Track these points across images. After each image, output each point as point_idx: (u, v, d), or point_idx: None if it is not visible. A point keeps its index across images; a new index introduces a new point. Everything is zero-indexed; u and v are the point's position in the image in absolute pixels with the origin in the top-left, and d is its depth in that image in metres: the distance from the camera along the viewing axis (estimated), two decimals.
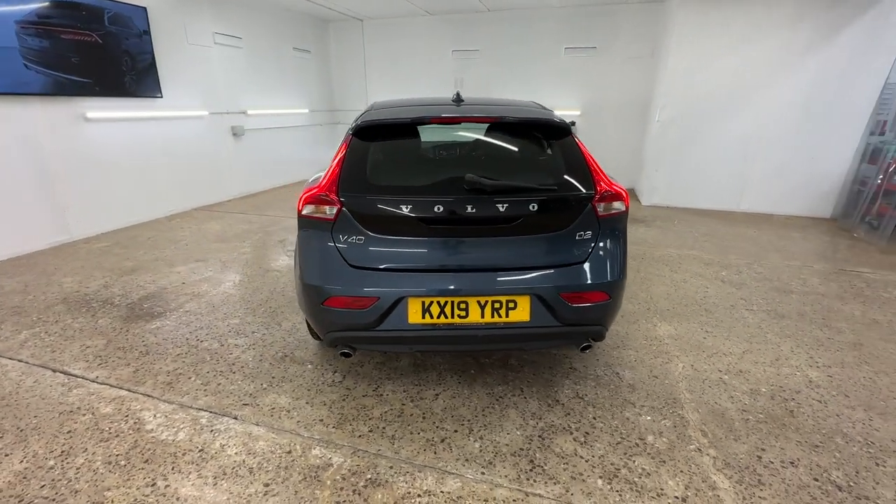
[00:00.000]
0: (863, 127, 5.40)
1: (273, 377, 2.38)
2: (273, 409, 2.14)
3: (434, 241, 1.89)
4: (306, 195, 1.95)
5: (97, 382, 2.33)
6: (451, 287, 1.86)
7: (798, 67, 5.45)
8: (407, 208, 1.82)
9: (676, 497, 1.66)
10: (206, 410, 2.12)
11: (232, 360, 2.53)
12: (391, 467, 1.79)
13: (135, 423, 2.03)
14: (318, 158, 8.88)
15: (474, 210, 1.81)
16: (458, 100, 2.40)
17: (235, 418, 2.07)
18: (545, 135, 2.16)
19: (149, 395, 2.23)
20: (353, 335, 1.96)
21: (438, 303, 1.87)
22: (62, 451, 1.86)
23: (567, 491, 1.68)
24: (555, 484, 1.71)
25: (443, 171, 2.20)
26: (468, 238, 1.89)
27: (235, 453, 1.85)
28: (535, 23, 7.44)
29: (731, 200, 6.23)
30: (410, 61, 8.31)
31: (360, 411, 2.12)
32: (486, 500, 1.64)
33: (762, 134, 5.81)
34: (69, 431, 1.98)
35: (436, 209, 1.81)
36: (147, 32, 5.02)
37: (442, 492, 1.67)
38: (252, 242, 4.63)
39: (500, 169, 2.18)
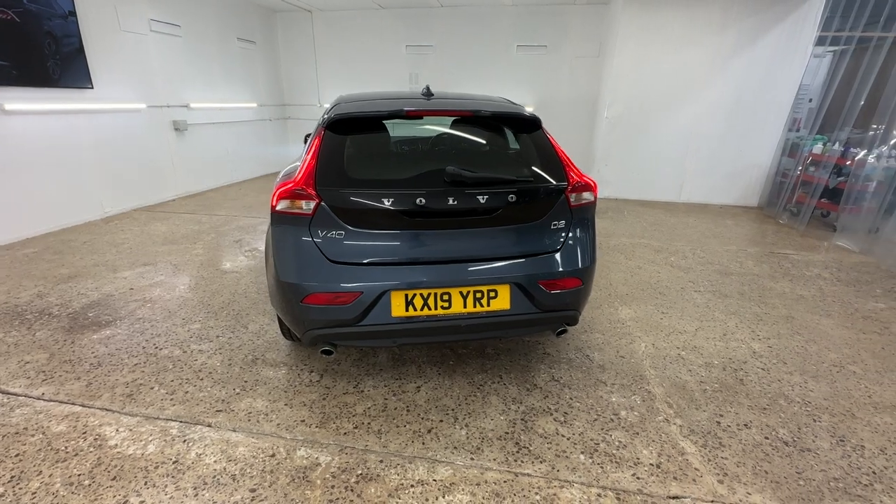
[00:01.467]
0: (783, 123, 6.00)
1: (245, 381, 2.29)
2: (249, 413, 2.06)
3: (415, 233, 1.90)
4: (281, 190, 1.89)
5: (43, 400, 2.12)
6: (434, 278, 1.88)
7: (727, 69, 5.95)
8: (389, 202, 1.82)
9: (651, 464, 1.79)
10: (175, 420, 2.00)
11: (198, 367, 2.40)
12: (381, 461, 1.79)
13: (95, 439, 1.88)
14: (269, 155, 8.53)
15: (455, 202, 1.84)
16: (428, 93, 2.41)
17: (209, 426, 1.97)
18: (516, 128, 2.23)
19: (107, 409, 2.07)
20: (335, 332, 1.92)
21: (421, 295, 1.89)
22: (12, 477, 1.69)
23: (553, 468, 1.76)
24: (541, 463, 1.79)
25: (421, 164, 2.21)
26: (449, 230, 1.92)
27: (215, 461, 1.77)
28: (488, 20, 7.57)
29: (674, 192, 6.70)
30: (363, 56, 8.16)
31: (342, 409, 2.09)
32: (477, 484, 1.68)
33: (698, 130, 6.29)
34: (17, 455, 1.79)
35: (417, 202, 1.82)
36: (73, 14, 4.57)
37: (434, 480, 1.70)
38: (205, 243, 4.38)
39: (476, 161, 2.23)
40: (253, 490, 1.64)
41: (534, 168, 2.06)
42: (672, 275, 3.79)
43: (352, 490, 1.65)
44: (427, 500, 1.61)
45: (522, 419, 2.03)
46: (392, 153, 2.27)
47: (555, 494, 1.64)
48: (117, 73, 5.24)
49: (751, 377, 2.38)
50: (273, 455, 1.81)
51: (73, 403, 2.10)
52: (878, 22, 5.37)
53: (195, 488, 1.65)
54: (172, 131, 6.16)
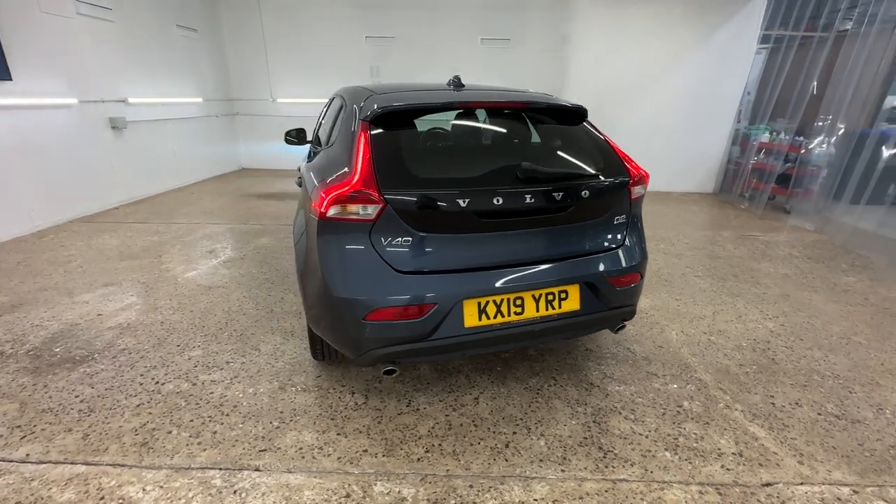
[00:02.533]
0: (733, 115, 6.49)
1: (281, 412, 2.02)
2: (300, 449, 1.81)
3: (489, 235, 1.75)
4: (335, 194, 1.65)
5: (31, 462, 1.72)
6: (508, 283, 1.75)
7: (685, 64, 6.31)
8: (464, 202, 1.65)
9: (733, 454, 1.80)
10: (213, 468, 1.71)
11: (216, 401, 2.08)
12: (471, 486, 1.64)
13: (120, 503, 1.55)
14: (218, 154, 7.83)
15: (532, 200, 1.72)
16: (458, 84, 2.25)
17: (258, 470, 1.70)
18: (562, 120, 2.13)
19: (121, 465, 1.72)
20: (403, 349, 1.73)
21: (494, 301, 1.75)
22: None
23: (646, 470, 1.72)
24: (631, 466, 1.74)
25: (483, 160, 2.06)
26: (521, 230, 1.79)
27: None
28: (452, 12, 7.43)
29: None
30: (320, 47, 7.69)
31: (404, 432, 1.91)
32: (580, 498, 1.59)
33: (660, 121, 6.62)
34: None
35: (495, 201, 1.67)
36: None
37: (535, 500, 1.58)
38: (172, 256, 3.88)
39: (531, 155, 2.09)
40: None
41: (594, 161, 1.97)
42: (668, 261, 3.94)
43: None
44: None
45: (594, 421, 1.97)
46: (451, 149, 2.07)
47: (659, 498, 1.60)
48: (41, 62, 4.47)
49: (779, 356, 2.51)
50: (348, 495, 1.59)
51: (73, 462, 1.72)
52: (801, 24, 5.96)
53: None
54: (110, 130, 5.40)
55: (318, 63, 7.80)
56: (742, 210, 5.89)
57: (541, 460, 1.76)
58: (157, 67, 6.18)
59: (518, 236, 1.79)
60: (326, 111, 3.43)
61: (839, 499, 1.60)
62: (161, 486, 1.62)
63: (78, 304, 3.00)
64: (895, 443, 1.87)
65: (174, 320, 2.81)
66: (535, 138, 2.18)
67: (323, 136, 3.24)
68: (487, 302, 1.74)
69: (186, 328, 2.72)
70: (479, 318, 1.74)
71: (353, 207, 1.64)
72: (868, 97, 5.25)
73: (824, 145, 5.27)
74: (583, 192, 1.81)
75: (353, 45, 7.69)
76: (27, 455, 1.75)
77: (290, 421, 1.96)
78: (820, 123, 5.26)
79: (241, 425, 1.93)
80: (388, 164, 1.70)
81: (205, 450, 1.80)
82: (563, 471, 1.71)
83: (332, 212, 1.67)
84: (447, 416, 2.01)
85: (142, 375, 2.26)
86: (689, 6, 6.04)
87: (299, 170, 3.35)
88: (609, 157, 1.99)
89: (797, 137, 5.61)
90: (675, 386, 2.22)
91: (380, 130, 1.80)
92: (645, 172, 2.05)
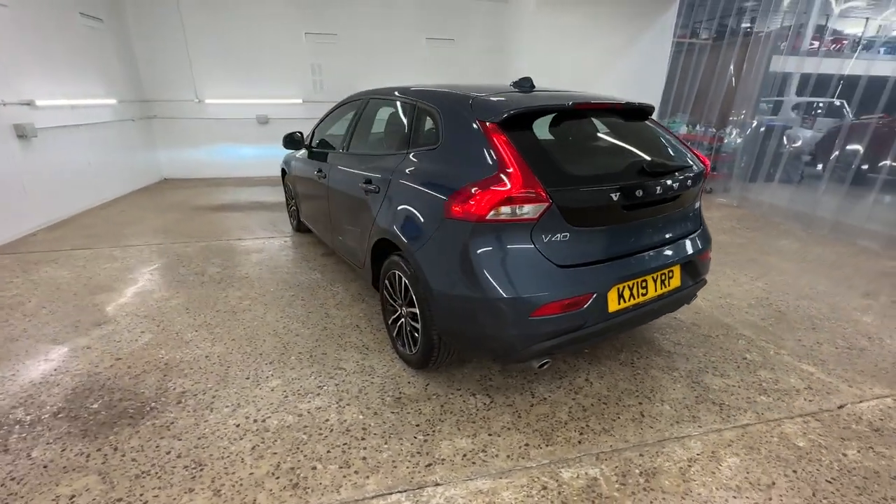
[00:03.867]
0: (656, 110, 7.46)
1: (417, 425, 1.95)
2: (464, 455, 1.79)
3: (626, 225, 1.90)
4: (494, 196, 1.65)
5: None
6: (640, 268, 1.92)
7: (616, 63, 7.08)
8: (616, 196, 1.77)
9: (806, 388, 2.21)
10: (391, 493, 1.62)
11: (340, 427, 1.94)
12: (640, 455, 1.79)
13: None
14: (138, 164, 6.83)
15: (660, 191, 1.90)
16: (530, 86, 2.36)
17: (438, 484, 1.66)
18: (635, 117, 2.34)
19: None
20: (562, 340, 1.81)
21: (628, 286, 1.91)
22: None
23: (758, 414, 2.03)
24: (745, 412, 2.04)
25: (611, 157, 2.16)
26: (647, 219, 1.97)
27: None
28: (395, 10, 7.36)
29: None
30: (253, 43, 7.07)
31: (547, 421, 1.98)
32: (728, 445, 1.84)
33: None
34: None
35: (637, 193, 1.82)
36: None
37: (698, 453, 1.79)
38: (156, 283, 3.36)
39: (643, 150, 2.21)
40: None
41: (681, 154, 2.21)
42: None
43: (650, 489, 1.63)
44: (714, 472, 1.70)
45: (694, 382, 2.25)
46: (571, 147, 2.12)
47: (782, 432, 1.91)
48: None
49: (782, 308, 3.06)
50: (544, 487, 1.64)
51: None
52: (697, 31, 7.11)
53: None
54: (15, 139, 4.41)
55: (253, 61, 7.17)
56: None
57: (677, 422, 1.98)
58: (61, 63, 5.17)
59: (645, 224, 1.97)
60: (348, 115, 3.26)
61: (891, 409, 2.08)
62: None
63: (78, 350, 2.48)
64: (893, 363, 2.45)
65: (220, 352, 2.48)
66: (623, 134, 2.32)
67: (342, 139, 3.09)
68: (624, 287, 1.89)
69: (241, 359, 2.43)
70: (619, 303, 1.89)
71: (520, 208, 1.67)
72: (759, 95, 6.47)
73: (734, 136, 6.36)
74: (688, 182, 2.06)
75: (292, 42, 7.21)
76: None
77: (433, 432, 1.91)
78: (733, 118, 6.35)
79: (385, 446, 1.83)
80: (540, 164, 1.75)
81: (367, 477, 1.68)
82: (699, 427, 1.95)
83: (493, 213, 1.68)
84: (574, 399, 2.12)
85: (231, 417, 1.99)
86: (616, 15, 6.79)
87: (285, 171, 3.11)
88: (687, 151, 2.27)
89: (710, 129, 6.68)
90: (730, 344, 2.60)
91: (516, 131, 1.84)
92: (709, 162, 2.37)
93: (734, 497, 1.60)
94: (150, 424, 1.94)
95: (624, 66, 7.06)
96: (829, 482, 1.67)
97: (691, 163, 2.17)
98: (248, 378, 2.27)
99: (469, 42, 7.77)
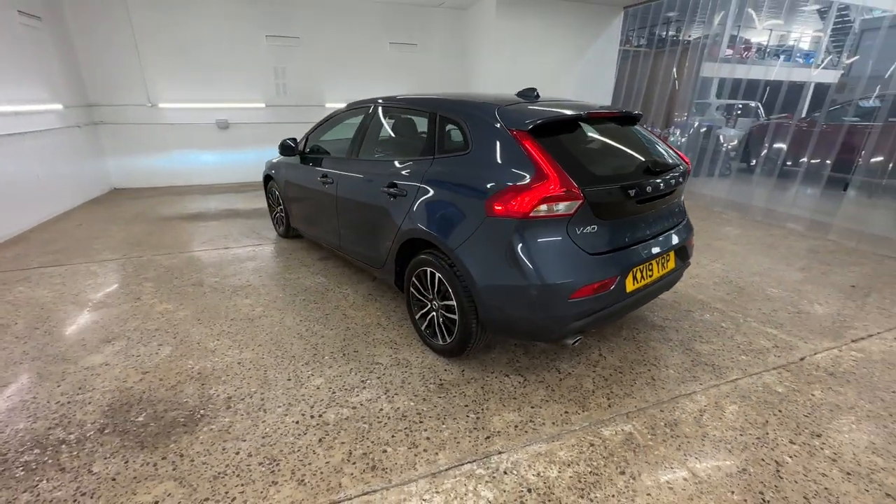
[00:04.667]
0: None
1: (465, 406, 2.15)
2: (516, 426, 2.01)
3: (641, 216, 2.22)
4: (536, 195, 1.89)
5: None
6: (648, 253, 2.24)
7: (572, 68, 7.61)
8: (632, 192, 2.07)
9: (774, 346, 2.66)
10: (463, 464, 1.80)
11: (395, 415, 2.08)
12: (661, 410, 2.11)
13: None
14: (86, 173, 6.37)
15: (663, 186, 2.23)
16: (536, 96, 2.64)
17: (501, 452, 1.86)
18: (627, 122, 2.68)
19: (374, 490, 1.68)
20: (593, 319, 2.08)
21: (640, 269, 2.23)
22: None
23: (744, 370, 2.43)
24: (733, 370, 2.43)
25: (621, 158, 2.44)
26: (652, 211, 2.30)
27: (560, 472, 1.75)
28: (359, 15, 7.41)
29: None
30: (210, 44, 6.82)
31: (578, 391, 2.25)
32: (727, 396, 2.21)
33: None
34: None
35: (648, 189, 2.14)
36: None
37: (706, 405, 2.14)
38: (157, 296, 3.27)
39: (644, 151, 2.48)
40: (622, 471, 1.75)
41: (671, 154, 2.57)
42: None
43: (676, 436, 1.94)
44: (720, 418, 2.05)
45: (687, 349, 2.63)
46: (592, 150, 2.37)
47: (763, 382, 2.32)
48: None
49: (740, 284, 3.58)
50: (591, 444, 1.90)
51: None
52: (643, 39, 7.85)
53: (585, 489, 1.65)
54: None
55: (210, 63, 6.91)
56: None
57: (682, 381, 2.33)
58: (2, 66, 4.74)
59: (651, 216, 2.30)
60: (351, 122, 3.36)
61: (839, 356, 2.57)
62: (436, 492, 1.67)
63: (96, 368, 2.41)
64: (832, 321, 3.00)
65: (251, 358, 2.52)
66: (626, 138, 2.64)
67: (350, 145, 3.19)
68: (637, 270, 2.21)
69: (275, 362, 2.49)
70: (633, 284, 2.20)
71: (559, 205, 1.92)
72: (692, 98, 7.27)
73: (675, 135, 7.10)
74: (680, 178, 2.42)
75: (252, 45, 7.04)
76: None
77: (482, 410, 2.12)
78: (676, 118, 7.08)
79: (444, 426, 2.01)
80: (571, 166, 2.01)
81: (436, 454, 1.86)
82: (700, 384, 2.31)
83: (535, 211, 1.92)
84: (594, 371, 2.42)
85: (287, 415, 2.07)
86: (570, 25, 7.31)
87: (268, 178, 3.17)
88: (673, 151, 2.64)
89: (656, 129, 7.40)
90: (708, 315, 3.04)
91: (543, 138, 2.08)
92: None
93: (741, 434, 1.96)
94: (207, 430, 1.98)
95: (578, 71, 7.61)
96: (806, 416, 2.09)
97: (680, 161, 2.55)
98: (289, 379, 2.34)
99: (432, 47, 7.99)
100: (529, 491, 1.68)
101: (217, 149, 7.39)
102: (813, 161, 6.06)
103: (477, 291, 2.12)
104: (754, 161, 7.21)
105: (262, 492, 1.67)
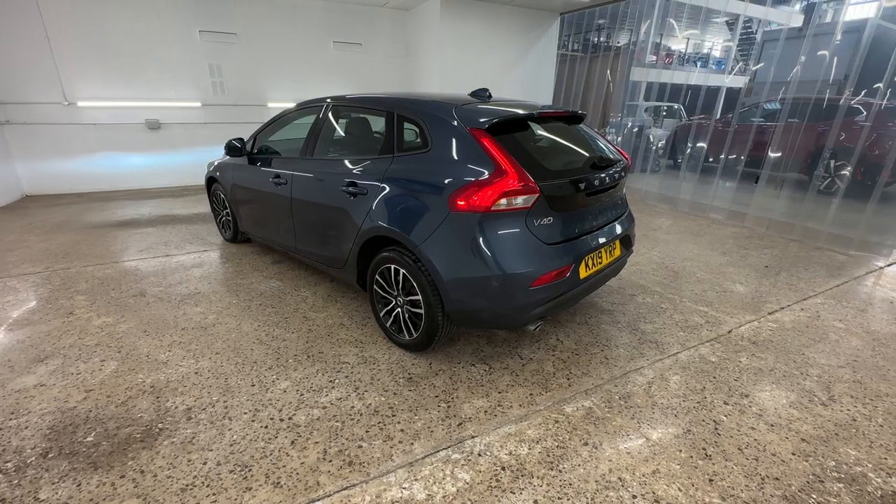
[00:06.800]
0: None
1: (435, 396, 2.21)
2: (485, 412, 2.10)
3: (590, 208, 2.38)
4: (497, 190, 1.99)
5: None
6: (598, 242, 2.43)
7: (515, 70, 7.91)
8: (582, 185, 2.23)
9: (705, 322, 2.96)
10: (438, 451, 1.86)
11: (367, 411, 2.10)
12: (615, 385, 2.29)
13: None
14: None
15: (608, 180, 2.42)
16: (488, 96, 2.76)
17: (474, 436, 1.95)
18: (574, 122, 2.86)
19: (353, 485, 1.70)
20: (552, 304, 2.22)
21: (591, 257, 2.40)
22: None
23: (682, 345, 2.69)
24: (673, 345, 2.69)
25: (570, 154, 2.57)
26: (599, 204, 2.48)
27: (530, 449, 1.87)
28: (301, 12, 7.22)
29: None
30: (137, 38, 6.35)
31: (539, 375, 2.39)
32: (669, 369, 2.44)
33: None
34: None
35: (596, 182, 2.31)
36: None
37: (652, 378, 2.35)
38: (94, 308, 3.03)
39: (589, 148, 2.64)
40: (585, 442, 1.90)
41: (613, 151, 2.78)
42: None
43: (630, 406, 2.13)
44: (666, 388, 2.27)
45: (633, 329, 2.86)
46: (542, 147, 2.48)
47: (700, 354, 2.59)
48: None
49: (674, 269, 3.94)
50: (556, 421, 2.04)
51: None
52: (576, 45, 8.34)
53: (553, 469, 1.77)
54: None
55: (138, 59, 6.43)
56: None
57: (632, 358, 2.54)
58: None
59: (598, 208, 2.48)
60: (303, 122, 3.29)
61: (758, 327, 2.92)
62: (415, 479, 1.72)
63: (30, 390, 2.21)
64: (751, 298, 3.39)
65: (208, 367, 2.42)
66: (565, 136, 2.81)
67: (303, 145, 3.14)
68: (588, 258, 2.38)
69: (235, 369, 2.40)
70: (585, 271, 2.37)
71: (518, 199, 2.03)
72: (624, 100, 7.82)
73: (613, 134, 7.60)
74: (622, 172, 2.63)
75: (184, 40, 6.64)
76: None
77: (452, 399, 2.19)
78: (612, 119, 7.56)
79: (416, 417, 2.06)
80: (526, 162, 2.13)
81: (411, 444, 1.90)
82: (647, 360, 2.53)
83: (497, 205, 2.02)
84: (553, 355, 2.57)
85: (254, 421, 2.02)
86: (512, 28, 7.60)
87: (212, 180, 3.12)
88: (614, 148, 2.86)
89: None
90: (649, 298, 3.32)
91: (499, 135, 2.19)
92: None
93: (683, 401, 2.18)
94: (168, 443, 1.88)
95: (520, 73, 7.92)
96: (736, 380, 2.36)
97: (620, 157, 2.77)
98: (253, 385, 2.27)
99: (375, 47, 7.95)
100: (503, 469, 1.77)
101: (148, 150, 6.89)
102: (729, 157, 6.75)
103: (443, 285, 2.19)
104: (680, 158, 7.90)
105: (236, 499, 1.63)
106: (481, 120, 2.21)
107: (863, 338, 2.82)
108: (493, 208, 2.02)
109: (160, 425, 1.99)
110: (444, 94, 2.93)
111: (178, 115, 6.92)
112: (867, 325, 2.99)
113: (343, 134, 3.10)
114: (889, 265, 4.12)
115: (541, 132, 2.59)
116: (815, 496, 1.67)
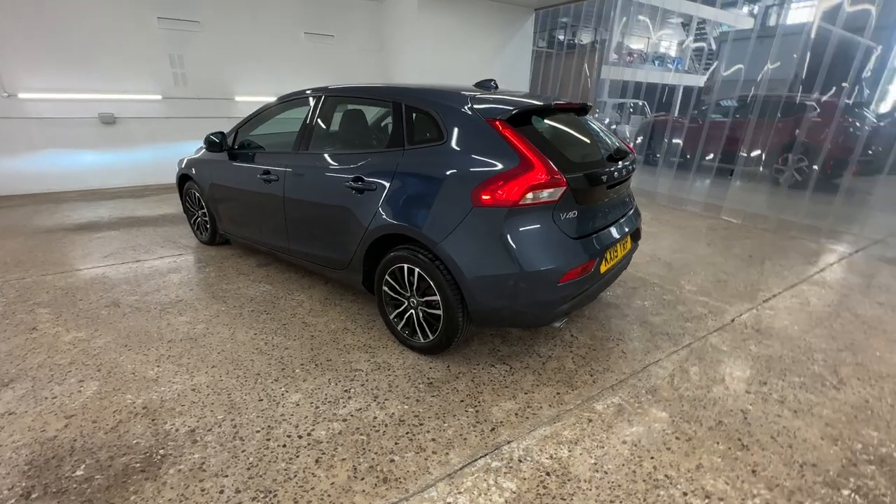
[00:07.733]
0: None
1: (461, 401, 2.10)
2: (516, 414, 2.01)
3: (610, 201, 2.34)
4: (525, 184, 1.90)
5: None
6: (617, 234, 2.39)
7: (493, 66, 7.85)
8: (604, 178, 2.18)
9: (708, 312, 3.01)
10: (476, 459, 1.76)
11: (391, 421, 1.97)
12: (639, 380, 2.26)
13: None
14: None
15: (625, 172, 2.38)
16: (495, 86, 2.68)
17: (510, 441, 1.86)
18: (582, 113, 2.81)
19: (396, 502, 1.57)
20: (576, 301, 2.16)
21: (610, 251, 2.37)
22: None
23: (693, 336, 2.72)
24: (685, 336, 2.71)
25: (587, 146, 2.50)
26: (616, 196, 2.44)
27: (570, 453, 1.80)
28: (269, 0, 6.83)
29: None
30: (86, 25, 5.79)
31: (562, 372, 2.33)
32: (686, 359, 2.45)
33: None
34: None
35: (615, 174, 2.26)
36: None
37: (673, 370, 2.35)
38: (62, 322, 2.71)
39: (602, 140, 2.60)
40: (623, 441, 1.85)
41: (621, 143, 2.75)
42: None
43: (658, 400, 2.10)
44: (689, 379, 2.27)
45: (643, 322, 2.87)
46: (560, 139, 2.37)
47: (711, 343, 2.62)
48: None
49: (668, 261, 4.00)
50: (590, 420, 1.98)
51: None
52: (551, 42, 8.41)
53: (599, 471, 1.71)
54: None
55: (88, 48, 5.87)
56: None
57: (647, 352, 2.53)
58: None
59: (614, 200, 2.45)
60: (293, 115, 3.08)
61: (758, 315, 3.01)
62: (459, 493, 1.61)
63: (4, 417, 1.92)
64: (744, 286, 3.49)
65: (207, 382, 2.20)
66: (576, 128, 2.75)
67: (296, 139, 2.93)
68: (608, 252, 2.34)
69: (238, 383, 2.20)
70: (605, 265, 2.33)
71: (544, 192, 1.95)
72: (595, 97, 7.96)
73: None
74: (634, 164, 2.61)
75: (140, 27, 6.12)
76: None
77: (479, 403, 2.09)
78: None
79: (446, 424, 1.95)
80: (552, 154, 2.05)
81: (446, 454, 1.79)
82: (663, 352, 2.53)
83: (524, 199, 1.93)
84: (571, 351, 2.52)
85: (269, 440, 1.84)
86: (489, 23, 7.54)
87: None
88: (621, 140, 2.84)
89: None
90: (651, 291, 3.35)
91: (520, 127, 2.10)
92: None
93: (707, 392, 2.19)
94: (174, 472, 1.68)
95: (498, 66, 7.88)
96: (750, 367, 2.40)
97: (630, 149, 2.76)
98: (260, 399, 2.08)
99: (348, 39, 7.68)
100: (548, 474, 1.69)
101: (102, 147, 6.32)
102: (697, 152, 7.02)
103: (465, 283, 2.08)
104: (658, 154, 8.17)
105: None
106: (503, 111, 2.12)
107: (853, 322, 2.96)
108: (521, 202, 1.94)
109: (161, 451, 1.77)
110: (450, 84, 2.81)
111: (135, 109, 6.39)
112: (853, 308, 3.15)
113: (343, 127, 2.92)
114: (856, 252, 4.38)
115: (555, 124, 2.53)
116: (853, 479, 1.70)
